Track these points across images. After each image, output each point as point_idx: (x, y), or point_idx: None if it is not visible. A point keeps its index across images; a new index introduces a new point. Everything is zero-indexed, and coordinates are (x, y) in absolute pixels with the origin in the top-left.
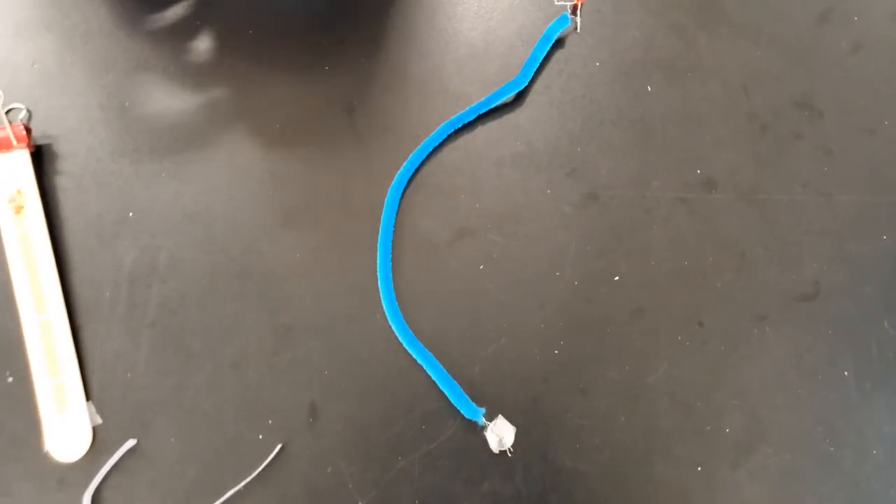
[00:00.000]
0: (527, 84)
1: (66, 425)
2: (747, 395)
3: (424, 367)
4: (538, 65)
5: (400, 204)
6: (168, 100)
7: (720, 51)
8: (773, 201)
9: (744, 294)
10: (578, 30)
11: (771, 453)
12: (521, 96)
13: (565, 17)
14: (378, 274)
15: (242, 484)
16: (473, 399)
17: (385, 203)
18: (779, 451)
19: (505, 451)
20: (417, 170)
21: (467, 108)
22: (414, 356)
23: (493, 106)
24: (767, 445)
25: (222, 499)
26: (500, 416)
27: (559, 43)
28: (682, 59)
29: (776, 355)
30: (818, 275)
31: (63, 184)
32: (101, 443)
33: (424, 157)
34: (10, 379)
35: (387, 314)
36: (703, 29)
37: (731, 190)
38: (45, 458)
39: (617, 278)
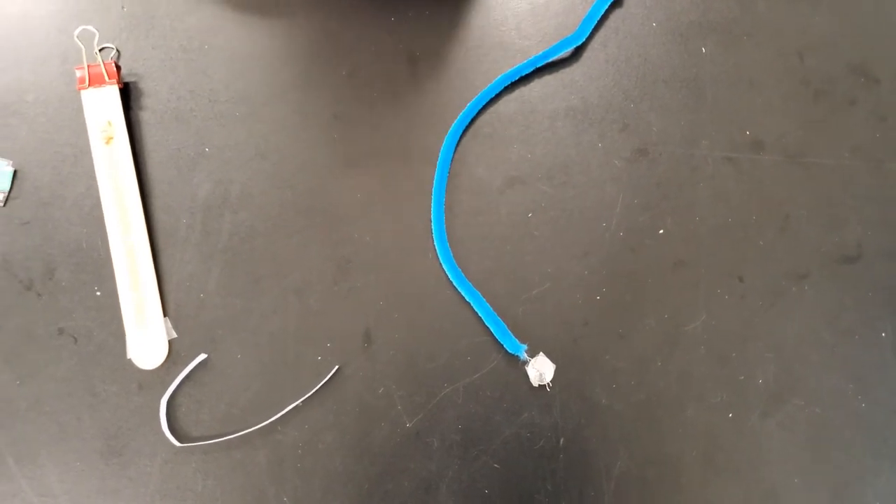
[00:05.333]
0: (584, 40)
1: (145, 337)
2: (782, 349)
3: (472, 303)
4: (596, 22)
5: (455, 151)
6: (244, 45)
7: (777, 16)
8: (821, 165)
9: (785, 253)
10: None
11: (802, 405)
12: (577, 52)
13: None
14: (432, 216)
15: (301, 400)
16: (516, 336)
17: (441, 150)
18: (809, 404)
19: (544, 385)
20: (474, 119)
21: (525, 62)
22: (462, 293)
23: (550, 60)
24: (798, 398)
25: (282, 412)
26: (541, 353)
27: (617, 2)
28: (739, 23)
29: (813, 313)
30: (861, 238)
31: (147, 118)
32: (175, 355)
33: (481, 107)
34: (99, 293)
35: (438, 254)
36: None
37: (778, 152)
38: (127, 365)
39: (661, 231)
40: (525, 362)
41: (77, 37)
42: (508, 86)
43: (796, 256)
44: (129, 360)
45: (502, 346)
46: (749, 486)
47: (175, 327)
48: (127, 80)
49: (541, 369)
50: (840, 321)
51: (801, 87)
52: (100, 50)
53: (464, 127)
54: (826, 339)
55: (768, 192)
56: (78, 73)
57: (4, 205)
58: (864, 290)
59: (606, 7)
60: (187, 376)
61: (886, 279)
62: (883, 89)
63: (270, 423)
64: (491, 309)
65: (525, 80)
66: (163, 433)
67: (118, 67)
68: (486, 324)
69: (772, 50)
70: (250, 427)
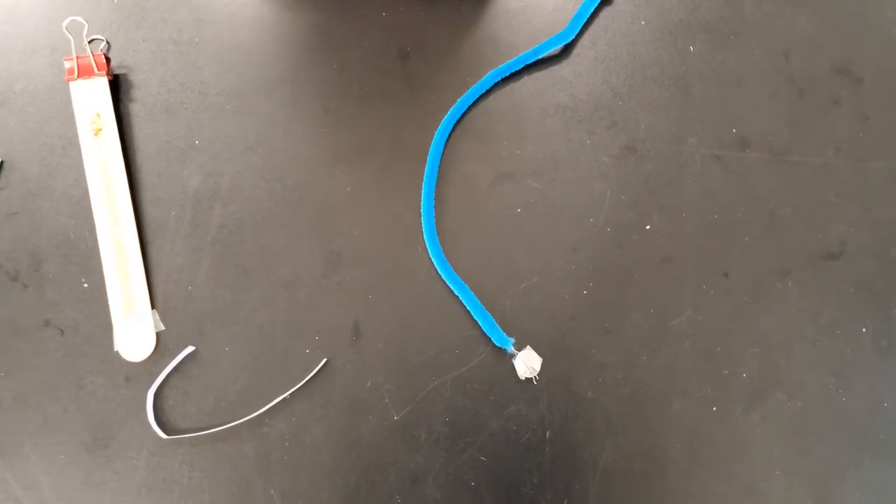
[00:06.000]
0: (573, 38)
1: (133, 329)
2: (766, 344)
3: (460, 297)
4: (585, 20)
5: (445, 147)
6: (235, 38)
7: (764, 15)
8: (805, 163)
9: (770, 249)
10: None
11: (784, 399)
12: (567, 49)
13: None
14: (422, 211)
15: (289, 392)
16: (504, 330)
17: (431, 145)
18: (792, 398)
19: (531, 379)
20: (464, 115)
21: (515, 59)
22: (451, 287)
23: (539, 57)
24: (781, 392)
25: (270, 405)
26: (528, 346)
27: (607, 0)
28: (726, 22)
29: (797, 309)
30: (844, 236)
31: (136, 111)
32: (163, 347)
33: (471, 103)
34: (86, 285)
35: (428, 248)
36: None
37: (764, 150)
38: (114, 357)
39: (648, 227)
40: (512, 356)
41: (66, 28)
42: (498, 82)
43: (780, 253)
44: (117, 352)
45: (490, 339)
46: (732, 478)
47: (163, 319)
48: (117, 71)
49: (528, 363)
50: (822, 317)
51: (786, 86)
52: (89, 41)
53: (454, 123)
54: (809, 335)
55: (754, 190)
56: (67, 65)
57: None
58: (846, 286)
59: (596, 5)
60: (175, 369)
61: (868, 276)
62: (866, 89)
63: (258, 415)
64: (479, 303)
65: (515, 76)
66: (149, 425)
67: (108, 59)
68: (475, 317)
69: (758, 49)
70: (238, 419)
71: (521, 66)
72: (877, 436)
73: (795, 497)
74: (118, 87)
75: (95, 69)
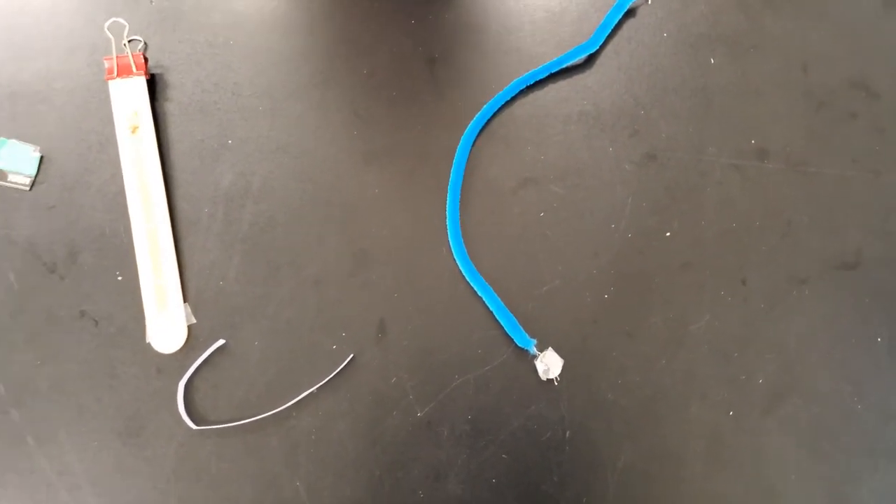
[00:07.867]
0: (597, 48)
1: (165, 322)
2: (782, 351)
3: (483, 298)
4: (609, 31)
5: (471, 151)
6: (267, 42)
7: (783, 29)
8: (822, 174)
9: (787, 258)
10: (650, 1)
11: (800, 405)
12: (591, 59)
13: None
14: (447, 213)
15: (316, 387)
16: (526, 331)
17: (457, 150)
18: (808, 404)
19: (552, 380)
20: (489, 121)
21: (540, 67)
22: (474, 288)
23: (564, 66)
24: (798, 397)
25: (297, 398)
26: (550, 348)
27: (631, 12)
28: (746, 36)
29: (813, 316)
30: (860, 246)
31: (172, 110)
32: (194, 340)
33: (496, 109)
34: (120, 278)
35: (452, 249)
36: (769, 7)
37: (782, 161)
38: (146, 349)
39: (668, 234)
40: (534, 356)
41: (107, 28)
42: (523, 90)
43: (797, 262)
44: (149, 343)
45: (513, 340)
46: (748, 482)
47: (194, 313)
48: (153, 71)
49: (549, 364)
50: (838, 325)
51: (804, 98)
52: (128, 42)
53: (479, 128)
54: (824, 342)
55: (772, 199)
56: (106, 64)
57: (30, 189)
58: (861, 296)
59: (620, 17)
60: (205, 361)
61: (883, 286)
62: (883, 104)
63: (285, 409)
64: (502, 304)
65: (539, 84)
66: (180, 416)
67: (146, 59)
68: (498, 318)
69: (777, 62)
70: (265, 412)
71: (546, 74)
72: (891, 441)
73: (811, 501)
74: (154, 86)
75: (134, 69)
